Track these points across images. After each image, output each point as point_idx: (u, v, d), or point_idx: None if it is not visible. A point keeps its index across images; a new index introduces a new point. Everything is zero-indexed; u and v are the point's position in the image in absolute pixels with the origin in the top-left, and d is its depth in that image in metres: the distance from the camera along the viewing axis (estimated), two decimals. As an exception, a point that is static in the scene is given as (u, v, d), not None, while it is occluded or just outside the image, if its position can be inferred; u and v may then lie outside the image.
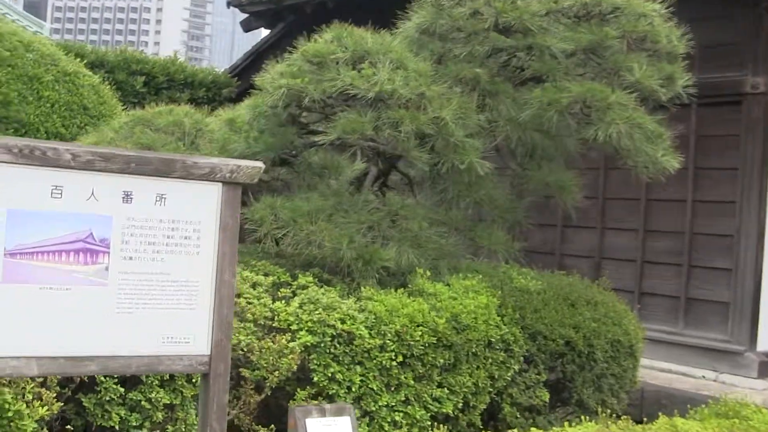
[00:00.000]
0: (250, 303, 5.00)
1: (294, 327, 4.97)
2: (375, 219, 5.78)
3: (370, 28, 6.05)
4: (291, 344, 4.88)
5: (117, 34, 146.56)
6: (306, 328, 4.97)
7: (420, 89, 5.66)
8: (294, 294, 5.24)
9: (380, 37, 5.98)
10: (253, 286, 5.19)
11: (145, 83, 12.74)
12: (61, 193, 3.39)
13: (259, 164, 3.79)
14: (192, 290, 3.65)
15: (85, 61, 10.18)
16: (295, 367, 4.89)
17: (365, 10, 8.17)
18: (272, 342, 4.84)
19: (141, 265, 3.56)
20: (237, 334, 4.74)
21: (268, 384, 4.82)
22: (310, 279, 5.38)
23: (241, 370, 4.78)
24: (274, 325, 4.97)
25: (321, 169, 6.43)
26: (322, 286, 5.34)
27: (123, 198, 3.52)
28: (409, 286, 5.64)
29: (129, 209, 3.53)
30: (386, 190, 6.57)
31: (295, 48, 6.02)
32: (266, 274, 5.41)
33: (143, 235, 3.56)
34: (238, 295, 4.98)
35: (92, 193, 3.45)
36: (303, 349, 4.92)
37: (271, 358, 4.80)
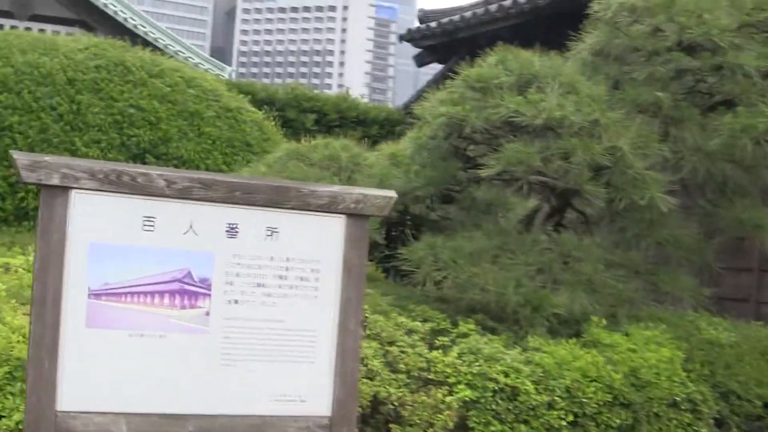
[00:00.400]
0: (403, 352, 4.81)
1: (452, 380, 4.71)
2: (545, 261, 5.53)
3: (538, 50, 5.77)
4: (448, 399, 4.61)
5: (301, 77, 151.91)
6: (465, 381, 4.70)
7: (593, 116, 5.40)
8: (453, 342, 5.01)
9: (549, 60, 5.81)
10: (408, 333, 5.00)
11: (316, 121, 12.68)
12: (153, 226, 3.06)
13: (391, 193, 3.36)
14: (309, 340, 3.27)
15: (250, 97, 10.18)
16: (452, 425, 4.58)
17: (540, 39, 7.74)
18: (426, 396, 4.60)
19: (248, 310, 3.18)
20: (388, 387, 4.58)
21: (421, 443, 4.56)
22: (472, 326, 5.17)
23: (391, 426, 4.56)
24: (429, 376, 4.72)
25: (486, 205, 6.25)
26: (485, 335, 5.12)
27: (227, 232, 3.16)
28: (583, 335, 5.33)
29: (234, 245, 3.17)
30: (561, 229, 6.13)
31: (457, 74, 5.70)
32: (424, 320, 5.24)
33: (251, 275, 3.19)
34: (391, 343, 4.83)
35: (190, 226, 3.11)
36: (461, 404, 4.63)
37: (425, 413, 4.53)
